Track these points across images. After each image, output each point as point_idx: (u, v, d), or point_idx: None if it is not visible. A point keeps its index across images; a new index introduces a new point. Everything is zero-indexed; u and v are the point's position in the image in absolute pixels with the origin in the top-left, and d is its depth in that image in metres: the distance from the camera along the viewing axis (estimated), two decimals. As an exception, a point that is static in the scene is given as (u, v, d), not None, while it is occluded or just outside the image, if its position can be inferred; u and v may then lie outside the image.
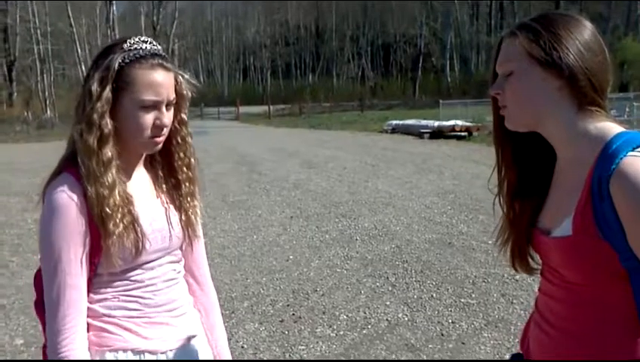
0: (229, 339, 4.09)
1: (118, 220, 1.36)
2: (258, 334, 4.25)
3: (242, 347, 4.03)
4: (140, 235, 1.40)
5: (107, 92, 1.35)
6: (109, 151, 1.36)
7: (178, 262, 1.57)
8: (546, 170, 1.34)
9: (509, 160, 1.38)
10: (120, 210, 1.37)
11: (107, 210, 1.35)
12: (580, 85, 1.20)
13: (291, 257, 6.15)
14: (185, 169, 1.56)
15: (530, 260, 1.39)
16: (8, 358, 3.98)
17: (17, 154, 18.70)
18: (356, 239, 6.79)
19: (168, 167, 1.56)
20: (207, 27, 73.70)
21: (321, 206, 8.78)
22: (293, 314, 4.59)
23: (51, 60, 42.56)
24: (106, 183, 1.35)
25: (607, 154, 1.14)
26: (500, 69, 1.29)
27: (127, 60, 1.37)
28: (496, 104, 1.33)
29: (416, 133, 20.38)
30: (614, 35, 43.82)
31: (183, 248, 1.58)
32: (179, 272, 1.57)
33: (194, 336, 1.58)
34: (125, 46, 1.39)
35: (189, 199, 1.57)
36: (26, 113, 34.75)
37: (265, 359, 3.88)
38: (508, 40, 1.28)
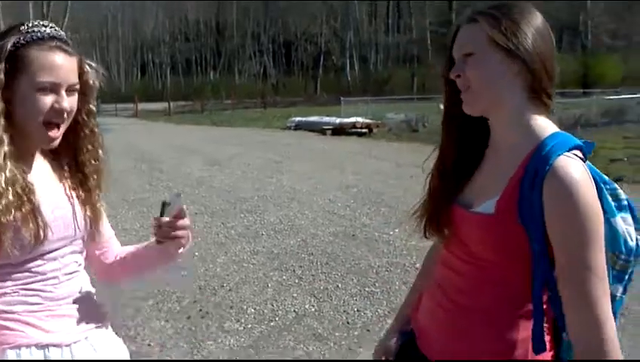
0: (135, 337, 4.02)
1: (10, 213, 1.30)
2: (164, 331, 4.17)
3: (149, 345, 3.95)
4: (40, 224, 1.35)
5: (0, 73, 1.31)
6: (3, 136, 1.32)
7: (80, 253, 1.53)
8: (477, 153, 1.42)
9: (450, 142, 1.44)
10: (12, 197, 1.31)
11: (2, 201, 1.29)
12: (536, 69, 1.27)
13: (197, 254, 6.07)
14: (93, 161, 1.53)
15: (442, 229, 1.45)
16: None
17: None
18: (262, 234, 6.81)
19: (75, 158, 1.52)
20: (102, 21, 70.83)
21: (226, 202, 8.72)
22: (200, 310, 4.55)
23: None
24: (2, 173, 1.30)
25: (544, 152, 1.23)
26: (460, 51, 1.33)
27: (24, 41, 1.33)
28: (449, 88, 1.38)
29: (318, 129, 20.65)
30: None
31: (85, 239, 1.54)
32: (80, 264, 1.53)
33: (99, 326, 1.55)
34: (23, 28, 1.36)
35: (97, 192, 1.55)
36: None
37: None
38: (466, 25, 1.33)
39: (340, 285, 5.03)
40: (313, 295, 4.82)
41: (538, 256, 1.24)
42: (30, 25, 1.36)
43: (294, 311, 4.51)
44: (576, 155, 1.24)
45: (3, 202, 1.30)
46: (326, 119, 21.79)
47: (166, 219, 1.47)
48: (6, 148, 1.32)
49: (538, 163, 1.22)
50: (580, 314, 1.21)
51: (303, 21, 60.74)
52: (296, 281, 5.16)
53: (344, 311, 4.47)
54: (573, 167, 1.20)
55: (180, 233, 1.48)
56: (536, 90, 1.30)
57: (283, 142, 17.55)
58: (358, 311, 4.47)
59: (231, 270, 5.52)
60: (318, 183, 10.09)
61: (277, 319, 4.36)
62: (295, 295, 4.83)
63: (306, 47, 63.89)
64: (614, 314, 1.27)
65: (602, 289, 1.20)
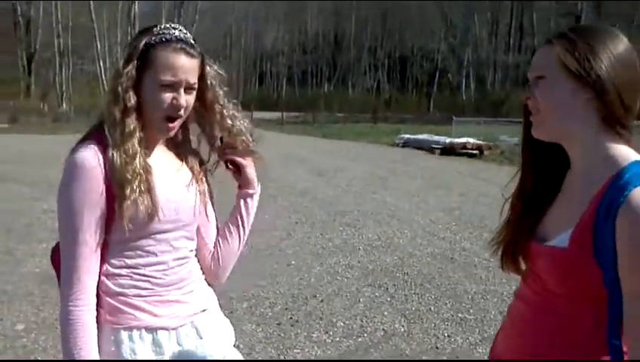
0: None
1: (135, 186, 1.45)
2: (255, 335, 4.30)
3: (238, 346, 4.06)
4: (154, 202, 1.49)
5: (131, 68, 1.47)
6: (131, 123, 1.48)
7: (191, 239, 1.64)
8: (558, 181, 1.37)
9: (528, 166, 1.41)
10: (138, 177, 1.47)
11: (127, 175, 1.45)
12: (608, 100, 1.22)
13: (293, 262, 6.20)
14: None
15: (519, 261, 1.42)
16: (8, 344, 4.05)
17: (31, 146, 18.89)
18: (359, 248, 6.83)
19: (191, 146, 1.67)
20: (227, 31, 74.19)
21: (327, 214, 8.83)
22: (291, 318, 4.64)
23: (70, 55, 43.02)
24: (129, 151, 1.46)
25: (621, 182, 1.18)
26: (533, 73, 1.31)
27: (153, 42, 1.48)
28: (526, 110, 1.36)
29: (427, 147, 20.38)
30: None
31: (195, 227, 1.65)
32: (191, 251, 1.65)
33: (204, 311, 1.65)
34: (155, 30, 1.51)
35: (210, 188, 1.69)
36: (42, 105, 35.13)
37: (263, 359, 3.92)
38: (544, 47, 1.30)
39: (432, 308, 4.95)
40: (404, 315, 4.77)
41: (612, 293, 1.17)
42: (162, 27, 1.52)
43: (383, 329, 4.48)
44: None
45: (136, 183, 1.45)
46: (435, 138, 21.45)
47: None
48: (138, 135, 1.49)
49: (613, 193, 1.16)
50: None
51: (421, 37, 60.36)
52: (388, 299, 5.13)
53: (434, 335, 4.39)
54: None
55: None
56: (608, 120, 1.23)
57: (390, 158, 17.50)
58: (448, 336, 4.37)
59: (324, 281, 5.58)
60: (421, 202, 9.97)
61: (365, 335, 4.36)
62: (386, 313, 4.80)
63: (422, 63, 63.43)
64: None
65: None
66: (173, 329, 1.56)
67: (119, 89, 1.47)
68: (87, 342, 1.44)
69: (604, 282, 1.18)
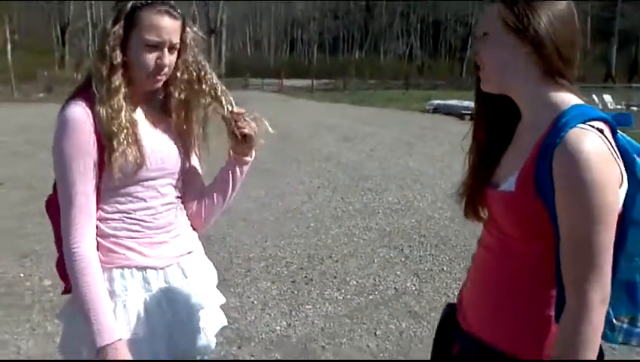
0: (241, 295, 4.31)
1: (122, 138, 1.57)
2: (269, 292, 4.45)
3: (252, 302, 4.24)
4: (141, 153, 1.61)
5: (118, 28, 1.58)
6: (117, 80, 1.58)
7: (176, 187, 1.76)
8: (511, 132, 1.44)
9: (481, 119, 1.49)
10: (125, 130, 1.58)
11: (114, 128, 1.56)
12: (546, 53, 1.29)
13: (312, 225, 6.32)
14: (193, 109, 1.76)
15: (480, 211, 1.51)
16: (35, 298, 4.28)
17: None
18: (378, 212, 6.92)
19: (173, 105, 1.75)
20: (257, -2, 73.88)
21: (350, 178, 8.91)
22: (305, 277, 4.77)
23: (103, 25, 43.41)
24: (114, 106, 1.57)
25: (559, 124, 1.24)
26: (477, 31, 1.39)
27: (139, 4, 1.59)
28: (477, 65, 1.43)
29: (457, 113, 20.18)
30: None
31: (180, 175, 1.76)
32: (177, 197, 1.77)
33: (190, 253, 1.79)
34: None
35: (195, 138, 1.79)
36: (76, 75, 35.67)
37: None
38: (486, 7, 1.38)
39: (445, 268, 5.02)
40: (417, 275, 4.86)
41: (557, 231, 1.24)
42: None
43: (395, 287, 4.59)
44: (593, 126, 1.21)
45: (122, 136, 1.57)
46: (466, 103, 21.15)
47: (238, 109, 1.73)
48: (124, 91, 1.60)
49: (552, 135, 1.22)
50: (568, 294, 1.21)
51: (454, 1, 59.12)
52: (403, 260, 5.22)
53: (444, 294, 4.47)
54: (585, 138, 1.19)
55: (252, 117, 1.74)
56: (549, 72, 1.29)
57: (418, 124, 17.41)
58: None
59: (341, 242, 5.70)
60: (446, 167, 9.95)
61: (376, 293, 4.47)
62: (399, 273, 4.90)
63: (455, 27, 62.29)
64: None
65: (594, 271, 1.18)
66: (161, 268, 1.70)
67: (106, 47, 1.58)
68: (94, 276, 1.57)
69: (550, 218, 1.25)
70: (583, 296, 1.19)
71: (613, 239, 1.21)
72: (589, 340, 1.19)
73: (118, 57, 1.58)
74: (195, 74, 1.71)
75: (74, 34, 44.39)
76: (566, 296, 1.22)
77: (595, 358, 1.22)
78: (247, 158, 1.82)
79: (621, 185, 1.23)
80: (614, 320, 1.30)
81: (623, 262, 1.26)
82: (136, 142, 1.61)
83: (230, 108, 1.72)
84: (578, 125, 1.21)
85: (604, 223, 1.18)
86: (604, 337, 1.28)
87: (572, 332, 1.20)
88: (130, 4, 1.59)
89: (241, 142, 1.76)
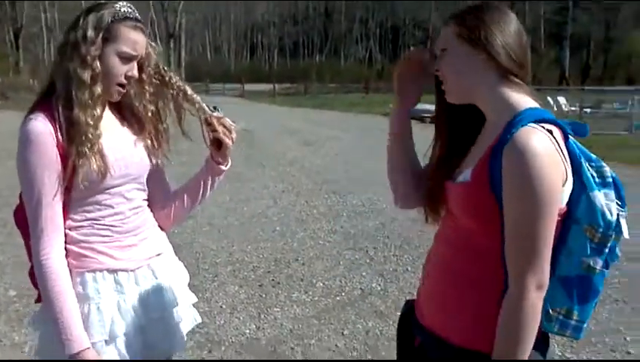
0: (210, 299, 4.35)
1: (88, 148, 1.60)
2: (237, 296, 4.49)
3: (221, 306, 4.28)
4: (104, 161, 1.65)
5: (99, 39, 1.62)
6: (98, 88, 1.63)
7: (143, 190, 1.81)
8: (474, 134, 1.53)
9: (442, 132, 1.60)
10: (98, 138, 1.63)
11: (89, 135, 1.60)
12: (501, 58, 1.41)
13: (278, 229, 6.39)
14: (151, 115, 1.81)
15: (440, 210, 1.60)
16: (2, 308, 4.24)
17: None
18: (343, 215, 7.02)
19: (135, 111, 1.80)
20: (216, 3, 73.49)
21: (314, 183, 9.00)
22: (273, 280, 4.83)
23: (59, 30, 42.65)
24: (95, 114, 1.62)
25: (512, 123, 1.35)
26: (436, 48, 1.51)
27: (117, 18, 1.64)
28: (438, 81, 1.54)
29: (417, 117, 20.41)
30: (623, 28, 43.54)
31: (145, 179, 1.81)
32: (144, 200, 1.82)
33: (159, 255, 1.84)
34: (116, 7, 1.66)
35: (156, 144, 1.83)
36: (32, 82, 34.90)
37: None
38: (443, 27, 1.50)
39: (409, 268, 5.15)
40: (382, 275, 4.97)
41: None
42: (120, 5, 1.67)
43: (361, 288, 4.68)
44: (544, 127, 1.32)
45: (89, 145, 1.60)
46: (427, 107, 21.19)
47: (216, 114, 1.78)
48: (99, 90, 1.63)
49: (504, 134, 1.33)
50: (510, 281, 1.32)
51: (412, 6, 59.98)
52: (367, 261, 5.33)
53: (409, 293, 4.58)
54: (532, 136, 1.29)
55: (227, 125, 1.78)
56: (505, 75, 1.41)
57: (380, 128, 17.54)
58: (423, 294, 4.56)
59: (307, 246, 5.78)
60: (407, 169, 10.11)
61: (343, 294, 4.56)
62: (364, 274, 5.00)
63: (414, 32, 63.12)
64: (595, 287, 1.36)
65: (533, 258, 1.29)
66: (132, 270, 1.75)
67: (89, 57, 1.62)
68: (63, 286, 1.61)
69: (501, 215, 1.35)
70: (521, 281, 1.30)
71: (553, 231, 1.31)
72: (527, 323, 1.30)
73: (99, 67, 1.63)
74: (159, 82, 1.78)
75: (28, 39, 43.43)
76: (508, 283, 1.33)
77: (534, 340, 1.33)
78: (223, 167, 1.86)
79: (565, 183, 1.33)
80: (551, 311, 1.40)
81: (563, 257, 1.37)
82: (99, 151, 1.65)
83: (208, 112, 1.78)
84: (528, 124, 1.32)
85: (544, 215, 1.29)
86: (541, 326, 1.38)
87: (511, 316, 1.31)
88: (109, 17, 1.64)
89: (217, 148, 1.81)
